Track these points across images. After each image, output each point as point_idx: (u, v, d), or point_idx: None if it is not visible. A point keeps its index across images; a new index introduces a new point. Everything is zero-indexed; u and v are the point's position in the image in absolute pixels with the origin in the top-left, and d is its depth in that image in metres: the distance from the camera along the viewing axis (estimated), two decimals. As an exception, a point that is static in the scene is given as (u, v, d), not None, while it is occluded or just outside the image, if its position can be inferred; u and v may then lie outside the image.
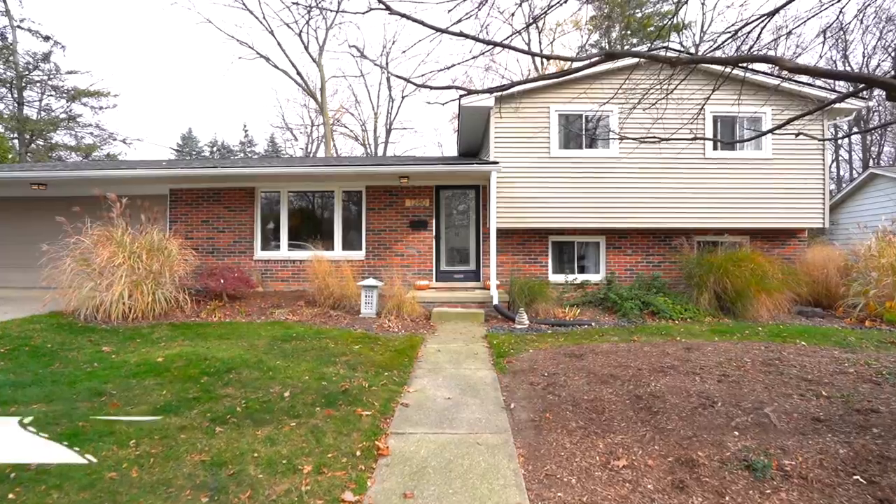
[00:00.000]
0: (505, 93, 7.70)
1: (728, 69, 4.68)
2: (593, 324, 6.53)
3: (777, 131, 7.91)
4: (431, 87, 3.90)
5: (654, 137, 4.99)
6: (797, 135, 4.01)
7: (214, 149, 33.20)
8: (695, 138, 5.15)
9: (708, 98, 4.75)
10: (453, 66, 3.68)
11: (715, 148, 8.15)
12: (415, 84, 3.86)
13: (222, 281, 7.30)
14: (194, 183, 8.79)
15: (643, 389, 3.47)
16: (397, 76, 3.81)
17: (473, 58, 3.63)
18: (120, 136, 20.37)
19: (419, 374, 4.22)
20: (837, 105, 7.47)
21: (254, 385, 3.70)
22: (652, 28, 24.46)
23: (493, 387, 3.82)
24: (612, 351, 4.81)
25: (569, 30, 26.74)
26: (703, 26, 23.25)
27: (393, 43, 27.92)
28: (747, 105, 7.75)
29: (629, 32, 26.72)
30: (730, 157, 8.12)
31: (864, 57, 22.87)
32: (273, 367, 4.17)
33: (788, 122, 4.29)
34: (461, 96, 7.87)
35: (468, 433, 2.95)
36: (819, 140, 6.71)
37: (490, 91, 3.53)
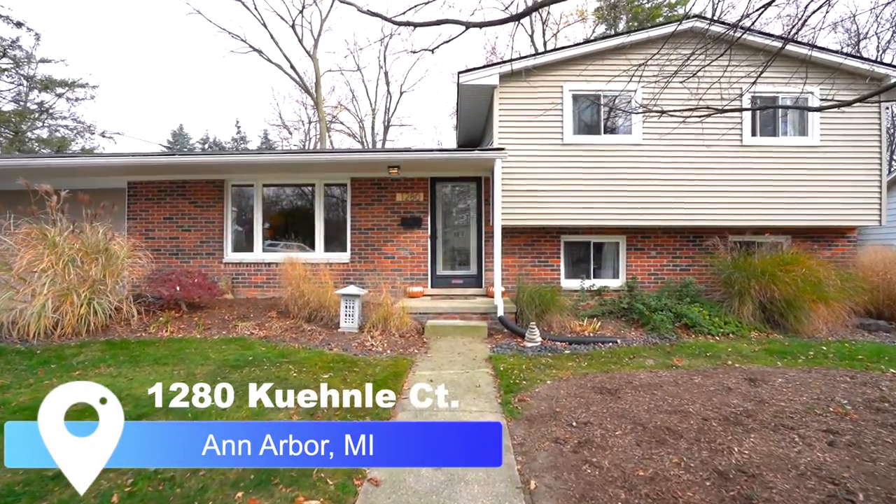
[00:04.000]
0: (515, 67, 6.64)
1: (778, 43, 3.69)
2: (619, 341, 5.43)
3: (830, 112, 6.85)
4: (416, 25, 2.79)
5: (705, 107, 3.94)
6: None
7: (206, 145, 32.09)
8: (754, 108, 4.08)
9: (760, 75, 3.74)
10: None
11: (754, 133, 7.04)
12: (395, 23, 2.77)
13: (178, 288, 6.19)
14: (155, 174, 7.67)
15: (725, 459, 2.37)
16: (372, 13, 2.74)
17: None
18: (98, 128, 19.28)
19: (401, 420, 3.12)
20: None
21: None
22: (661, 19, 23.39)
23: (503, 446, 2.71)
24: (655, 384, 3.71)
25: (573, 21, 25.64)
26: (712, 17, 22.18)
27: (390, 35, 26.78)
28: (793, 84, 6.64)
29: (636, 24, 25.62)
30: (770, 145, 7.00)
31: (878, 51, 21.73)
32: (203, 413, 3.07)
33: (860, 99, 3.26)
34: (460, 72, 6.77)
35: (467, 547, 1.85)
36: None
37: (494, 23, 2.47)
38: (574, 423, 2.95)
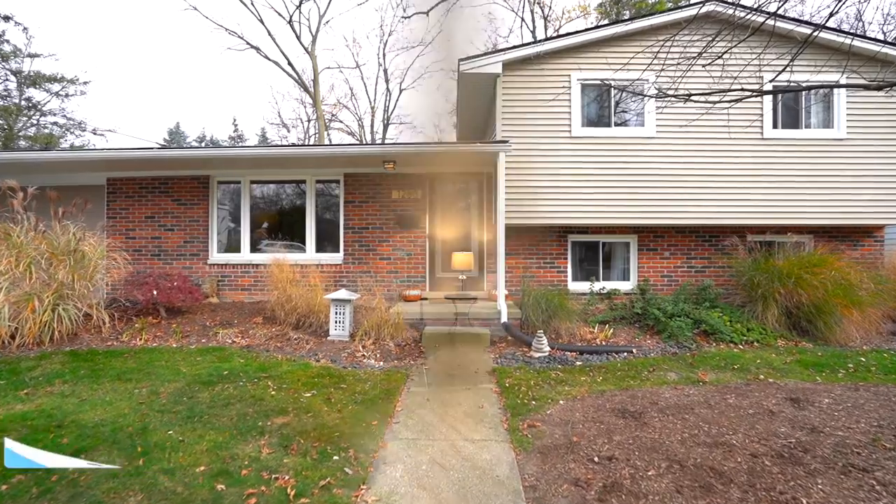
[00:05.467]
0: (519, 54, 6.18)
1: (806, 29, 3.21)
2: (634, 350, 4.94)
3: (858, 104, 6.37)
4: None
5: (739, 89, 3.48)
6: None
7: (203, 143, 31.63)
8: (795, 90, 3.60)
9: (789, 63, 3.26)
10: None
11: (775, 126, 6.56)
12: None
13: (154, 292, 5.72)
14: (136, 170, 7.20)
15: (793, 516, 1.89)
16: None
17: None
18: (90, 125, 18.76)
19: (390, 453, 2.63)
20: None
21: (93, 495, 2.12)
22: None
23: (512, 489, 2.24)
24: (684, 405, 3.23)
25: (575, 16, 25.16)
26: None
27: None
28: (824, 73, 6.13)
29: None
30: (793, 138, 6.51)
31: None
32: (154, 446, 2.59)
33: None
34: (461, 59, 6.28)
35: None
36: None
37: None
38: (596, 459, 2.48)
